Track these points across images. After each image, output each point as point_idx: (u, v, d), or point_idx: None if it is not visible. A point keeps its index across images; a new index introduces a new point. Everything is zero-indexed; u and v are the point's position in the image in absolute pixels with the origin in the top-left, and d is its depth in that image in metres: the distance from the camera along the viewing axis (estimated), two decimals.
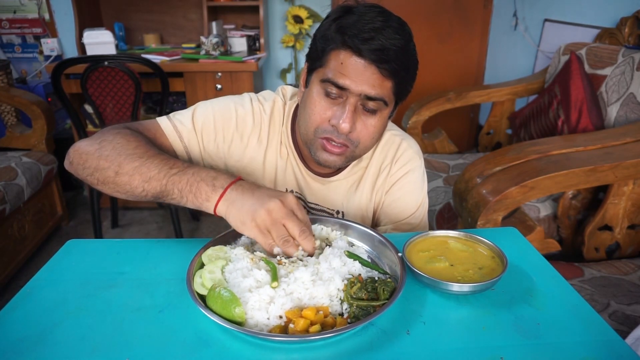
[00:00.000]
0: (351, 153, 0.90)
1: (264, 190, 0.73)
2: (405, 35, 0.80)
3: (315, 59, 0.86)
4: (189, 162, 0.85)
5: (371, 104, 0.84)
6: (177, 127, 0.93)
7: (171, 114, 0.96)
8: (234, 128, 0.96)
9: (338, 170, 1.01)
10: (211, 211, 0.73)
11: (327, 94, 0.84)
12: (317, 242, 0.75)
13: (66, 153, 0.86)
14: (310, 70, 0.88)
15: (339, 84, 0.81)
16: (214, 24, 2.79)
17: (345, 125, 0.83)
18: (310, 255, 0.73)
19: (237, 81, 2.57)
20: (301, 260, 0.72)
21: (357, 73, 0.80)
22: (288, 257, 0.72)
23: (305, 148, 0.94)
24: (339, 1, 3.10)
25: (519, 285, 0.73)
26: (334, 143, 0.87)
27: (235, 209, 0.71)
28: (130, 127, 0.88)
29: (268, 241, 0.70)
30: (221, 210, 0.72)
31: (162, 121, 0.94)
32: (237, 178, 0.75)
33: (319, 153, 0.90)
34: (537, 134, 2.12)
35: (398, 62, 0.80)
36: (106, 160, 0.79)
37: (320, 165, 0.95)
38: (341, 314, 0.65)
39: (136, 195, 0.78)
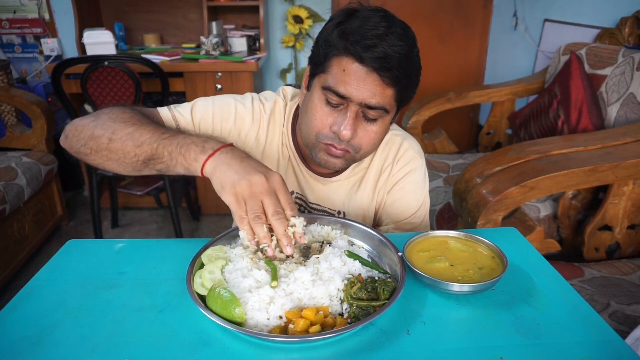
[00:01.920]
0: (352, 157, 0.90)
1: (253, 162, 0.72)
2: (408, 42, 0.80)
3: (318, 64, 0.85)
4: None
5: (372, 113, 0.83)
6: (175, 116, 0.94)
7: (172, 106, 0.97)
8: (231, 124, 0.97)
9: (339, 170, 1.01)
10: (199, 172, 0.73)
11: (328, 102, 0.84)
12: (300, 226, 0.70)
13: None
14: (312, 75, 0.88)
15: (340, 92, 0.81)
16: (214, 24, 2.79)
17: (346, 133, 0.83)
18: (287, 246, 0.68)
19: (237, 81, 2.57)
20: (283, 260, 0.70)
21: (359, 81, 0.79)
22: (266, 255, 0.69)
23: (306, 149, 0.94)
24: (339, 1, 3.10)
25: (519, 285, 0.73)
26: (334, 148, 0.87)
27: (219, 172, 0.70)
28: (127, 105, 0.90)
29: (241, 212, 0.68)
30: (207, 170, 0.72)
31: (162, 110, 0.95)
32: (228, 143, 0.75)
33: (320, 155, 0.90)
34: (537, 134, 2.12)
35: (400, 70, 0.79)
36: (101, 128, 0.80)
37: (320, 167, 0.95)
38: (341, 314, 0.65)
39: (127, 162, 0.79)
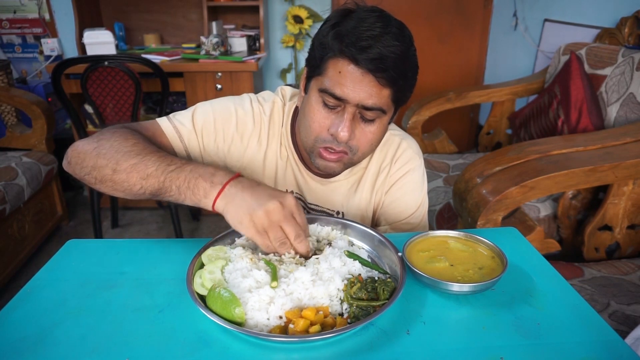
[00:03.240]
0: (349, 160, 0.90)
1: (264, 189, 0.72)
2: (404, 41, 0.79)
3: (314, 67, 0.85)
4: (188, 159, 0.84)
5: (369, 114, 0.83)
6: (177, 127, 0.93)
7: (171, 115, 0.96)
8: (234, 129, 0.96)
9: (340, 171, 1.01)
10: (210, 208, 0.72)
11: (325, 104, 0.84)
12: (313, 244, 0.75)
13: (64, 153, 0.85)
14: (309, 77, 0.88)
15: (337, 94, 0.81)
16: (214, 24, 2.79)
17: (343, 135, 0.83)
18: (304, 257, 0.73)
19: (237, 81, 2.57)
20: (293, 258, 0.72)
21: (355, 82, 0.79)
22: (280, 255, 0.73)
23: (306, 153, 0.94)
24: (339, 1, 3.10)
25: (519, 285, 0.73)
26: (332, 151, 0.87)
27: (233, 207, 0.70)
28: (128, 126, 0.88)
29: (265, 242, 0.70)
30: (219, 207, 0.71)
31: (162, 121, 0.94)
32: (236, 174, 0.74)
33: (317, 160, 0.90)
34: (537, 134, 2.12)
35: (396, 70, 0.78)
36: (104, 158, 0.78)
37: (319, 171, 0.95)
38: (341, 314, 0.65)
39: (134, 193, 0.77)
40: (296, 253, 0.72)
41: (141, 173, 0.75)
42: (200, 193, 0.72)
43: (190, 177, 0.73)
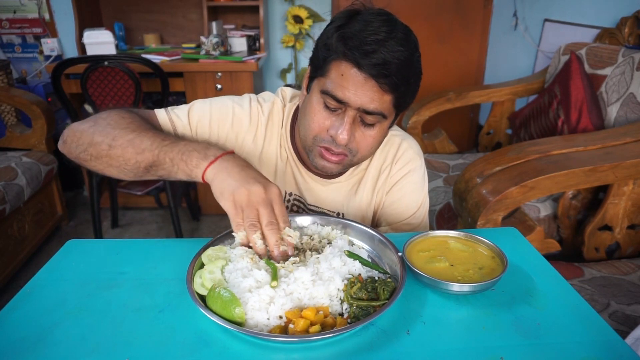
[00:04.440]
0: (349, 161, 0.90)
1: (253, 172, 0.74)
2: (409, 47, 0.78)
3: (317, 67, 0.85)
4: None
5: (369, 119, 0.83)
6: (173, 120, 0.94)
7: (169, 108, 0.97)
8: (229, 126, 0.97)
9: (338, 172, 1.01)
10: (200, 177, 0.75)
11: (327, 106, 0.84)
12: (297, 241, 0.74)
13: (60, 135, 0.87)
14: (312, 77, 0.88)
15: (338, 97, 0.80)
16: (214, 24, 2.79)
17: (343, 137, 0.83)
18: (277, 256, 0.71)
19: (237, 81, 2.57)
20: (292, 264, 0.71)
21: (357, 86, 0.79)
22: (256, 253, 0.72)
23: (304, 152, 0.94)
24: (339, 1, 3.10)
25: (519, 285, 0.73)
26: (332, 152, 0.87)
27: (220, 178, 0.73)
28: (125, 109, 0.90)
29: (237, 220, 0.71)
30: (209, 176, 0.74)
31: (159, 112, 0.95)
32: (230, 151, 0.77)
33: (316, 160, 0.90)
34: (537, 134, 2.12)
35: (399, 76, 0.78)
36: (100, 135, 0.80)
37: (318, 171, 0.95)
38: (341, 314, 0.65)
39: (129, 168, 0.80)
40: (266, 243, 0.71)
41: (136, 148, 0.78)
42: (193, 163, 0.75)
43: (184, 150, 0.76)
